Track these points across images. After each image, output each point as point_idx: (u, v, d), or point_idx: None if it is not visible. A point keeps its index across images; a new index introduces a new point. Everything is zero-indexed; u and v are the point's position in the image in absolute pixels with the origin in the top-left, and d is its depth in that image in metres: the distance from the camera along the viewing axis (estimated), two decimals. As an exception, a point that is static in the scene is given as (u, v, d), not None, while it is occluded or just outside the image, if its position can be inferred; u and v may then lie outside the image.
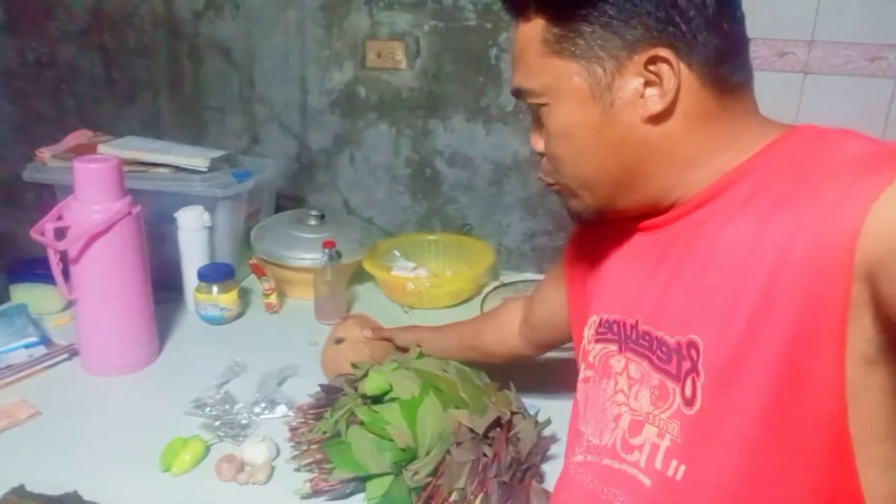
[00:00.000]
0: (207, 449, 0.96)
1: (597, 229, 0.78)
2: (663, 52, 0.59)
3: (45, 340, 1.18)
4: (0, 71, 1.90)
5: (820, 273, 0.52)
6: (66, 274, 1.09)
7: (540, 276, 1.52)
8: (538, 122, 0.69)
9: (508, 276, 1.56)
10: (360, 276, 1.48)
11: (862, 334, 0.52)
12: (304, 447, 0.94)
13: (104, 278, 1.10)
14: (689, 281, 0.62)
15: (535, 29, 0.65)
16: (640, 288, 0.68)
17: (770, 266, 0.55)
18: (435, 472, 0.87)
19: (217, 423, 1.02)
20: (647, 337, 0.66)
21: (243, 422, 1.02)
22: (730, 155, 0.63)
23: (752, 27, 0.64)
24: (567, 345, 0.93)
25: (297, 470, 0.93)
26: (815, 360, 0.53)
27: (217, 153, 1.41)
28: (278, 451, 0.97)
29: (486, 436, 0.91)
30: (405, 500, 0.86)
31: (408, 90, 1.62)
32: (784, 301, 0.54)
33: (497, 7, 1.50)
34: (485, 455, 0.88)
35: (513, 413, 0.97)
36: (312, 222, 1.45)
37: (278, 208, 1.65)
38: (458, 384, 0.99)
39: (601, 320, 0.74)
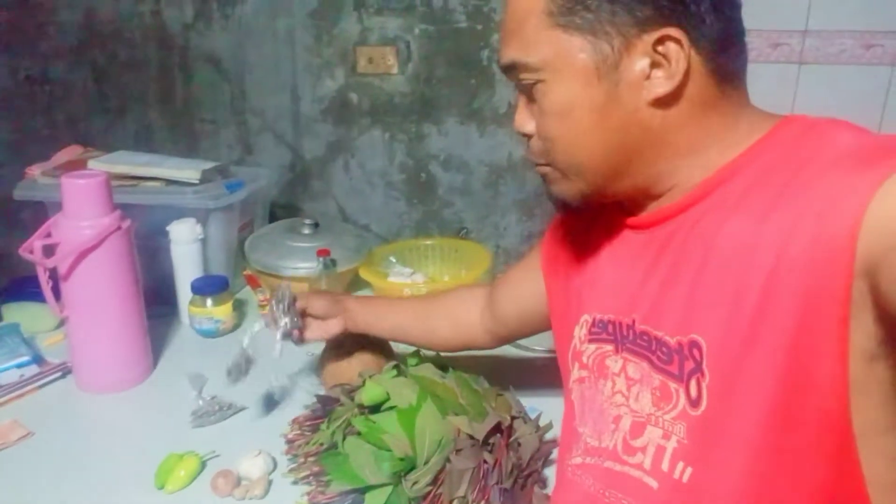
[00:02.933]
0: (203, 465, 0.94)
1: (581, 225, 0.77)
2: (674, 32, 0.57)
3: (38, 359, 1.16)
4: (-8, 90, 1.89)
5: (819, 271, 0.52)
6: (56, 292, 1.08)
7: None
8: (529, 100, 0.65)
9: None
10: (356, 283, 1.46)
11: (863, 330, 0.52)
12: (301, 460, 0.92)
13: (95, 294, 1.08)
14: (687, 280, 0.61)
15: None
16: (636, 287, 0.67)
17: (770, 265, 0.54)
18: (435, 481, 0.85)
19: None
20: (645, 337, 0.65)
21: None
22: (724, 146, 0.62)
23: (746, 19, 0.63)
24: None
25: (295, 483, 0.91)
26: (817, 358, 0.53)
27: (208, 164, 1.40)
28: (275, 465, 0.95)
29: (486, 442, 0.89)
30: (405, 511, 0.84)
31: (400, 95, 1.61)
32: (785, 300, 0.54)
33: (487, 8, 1.49)
34: (485, 462, 0.86)
35: (513, 418, 0.95)
36: (307, 231, 1.43)
37: (273, 218, 1.64)
38: (457, 390, 0.97)
39: (594, 320, 0.72)
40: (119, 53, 1.77)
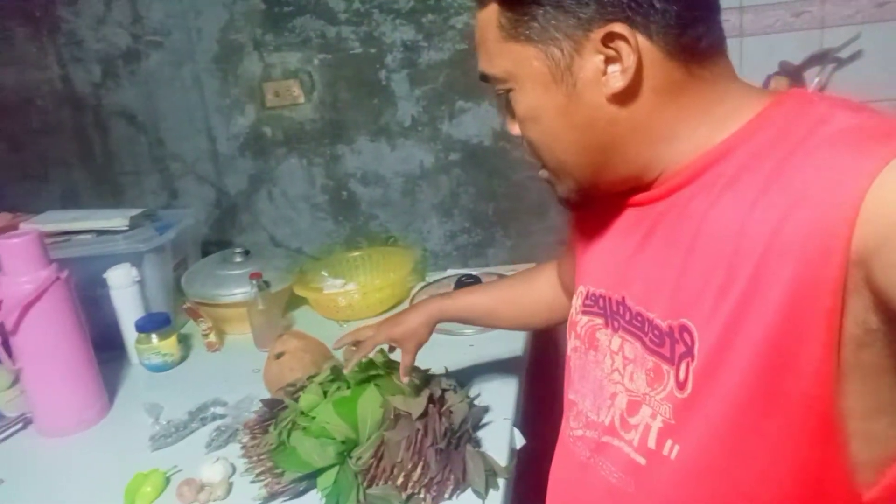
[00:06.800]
0: (167, 479, 1.03)
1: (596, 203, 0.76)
2: (618, 28, 0.57)
3: (-2, 416, 1.23)
4: None
5: (813, 259, 0.51)
6: (7, 347, 1.15)
7: (464, 271, 1.62)
8: (510, 107, 0.67)
9: (434, 276, 1.66)
10: (293, 301, 1.56)
11: (853, 318, 0.51)
12: (255, 458, 1.01)
13: (44, 343, 1.16)
14: (676, 261, 0.61)
15: (490, 14, 0.63)
16: (625, 263, 0.68)
17: (759, 251, 0.53)
18: (376, 454, 0.95)
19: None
20: (639, 318, 0.65)
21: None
22: (710, 125, 0.61)
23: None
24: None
25: (253, 481, 1.00)
26: (804, 345, 0.52)
27: (135, 211, 1.48)
28: (234, 469, 1.04)
29: (422, 415, 1.00)
30: (353, 484, 0.93)
31: (310, 122, 1.71)
32: (773, 286, 0.53)
33: (377, 33, 1.61)
34: (418, 430, 0.97)
35: (444, 390, 1.06)
36: (238, 259, 1.52)
37: (206, 254, 1.71)
38: (394, 374, 1.07)
39: (587, 293, 0.74)
40: (32, 120, 1.82)
